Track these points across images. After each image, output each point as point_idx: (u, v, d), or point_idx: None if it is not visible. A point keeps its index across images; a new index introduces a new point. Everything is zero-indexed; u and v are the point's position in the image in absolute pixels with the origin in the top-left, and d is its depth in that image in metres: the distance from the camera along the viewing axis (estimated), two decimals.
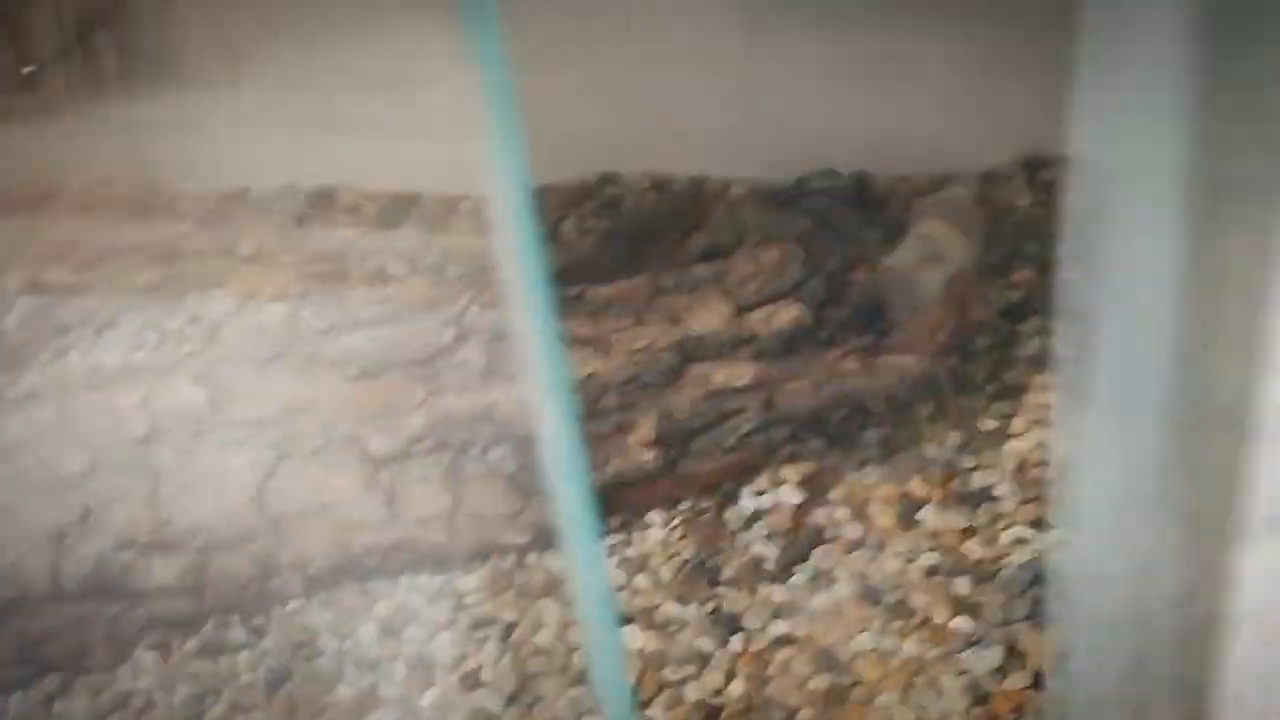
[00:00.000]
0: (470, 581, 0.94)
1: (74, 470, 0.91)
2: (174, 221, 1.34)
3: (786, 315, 0.97)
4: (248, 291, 1.23)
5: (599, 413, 0.94)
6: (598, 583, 0.51)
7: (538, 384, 0.42)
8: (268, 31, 1.16)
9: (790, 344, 0.97)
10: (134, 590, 0.90)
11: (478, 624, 0.91)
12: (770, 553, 0.95)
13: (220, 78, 1.33)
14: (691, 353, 0.96)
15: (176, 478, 0.91)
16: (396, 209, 1.33)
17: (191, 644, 0.91)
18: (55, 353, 1.18)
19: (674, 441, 0.95)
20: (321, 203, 1.35)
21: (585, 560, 0.49)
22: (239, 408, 0.93)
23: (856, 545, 0.96)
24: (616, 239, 1.06)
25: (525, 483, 0.93)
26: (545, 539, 0.95)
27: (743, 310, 0.97)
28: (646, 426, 0.94)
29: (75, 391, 0.94)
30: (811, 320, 0.97)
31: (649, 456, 0.94)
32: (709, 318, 0.96)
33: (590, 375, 0.94)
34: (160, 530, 0.90)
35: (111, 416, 0.92)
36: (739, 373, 0.95)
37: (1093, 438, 0.86)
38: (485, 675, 0.88)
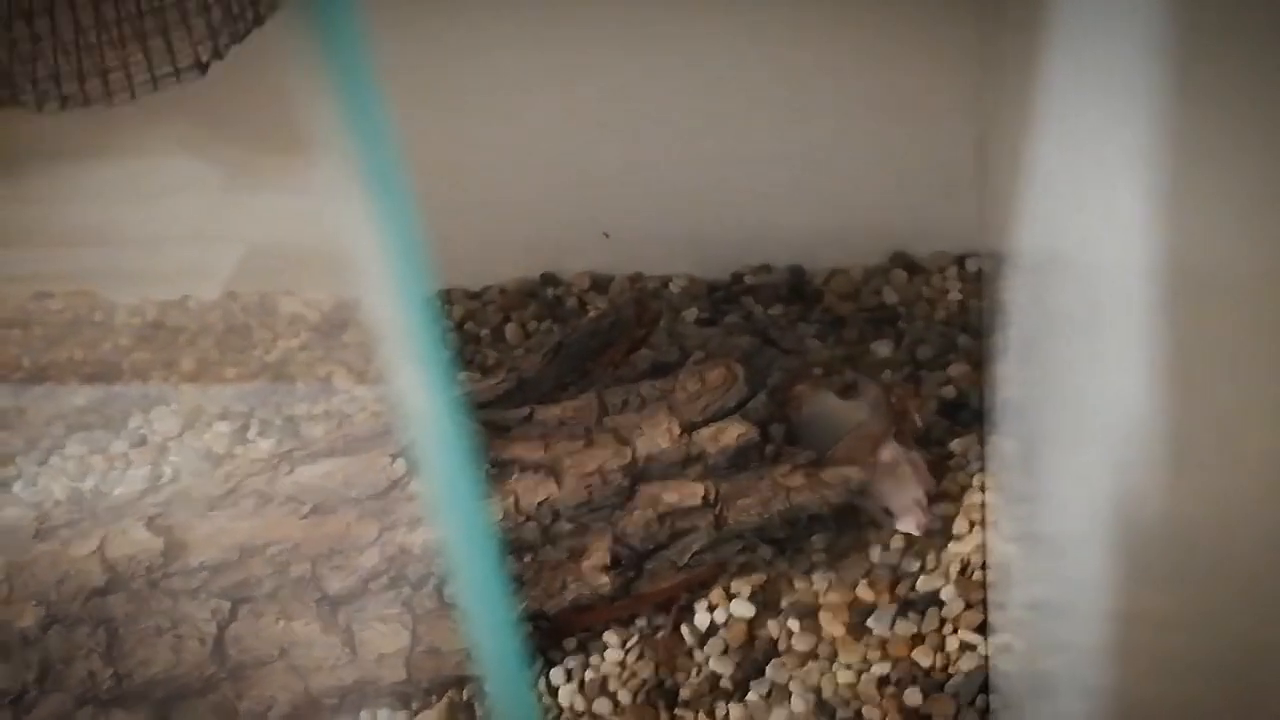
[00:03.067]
0: (431, 717, 0.95)
1: (29, 625, 0.90)
2: (113, 336, 1.33)
3: (733, 433, 0.99)
4: (192, 410, 1.23)
5: (552, 538, 0.96)
6: None
7: (455, 526, 0.42)
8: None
9: (738, 460, 0.99)
10: None
11: None
12: (726, 669, 0.97)
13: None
14: (642, 473, 0.98)
15: (135, 628, 0.91)
16: (338, 314, 1.34)
17: None
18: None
19: (628, 563, 0.97)
20: (262, 310, 1.35)
21: (515, 706, 0.48)
22: (194, 553, 0.93)
23: (809, 657, 0.98)
24: (562, 354, 1.07)
25: None
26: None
27: (690, 429, 0.99)
28: (600, 551, 0.95)
29: (25, 544, 0.94)
30: (758, 436, 0.99)
31: (604, 580, 0.95)
32: (658, 437, 0.98)
33: (543, 501, 0.96)
34: (121, 684, 0.90)
35: (64, 569, 0.92)
36: (690, 492, 0.97)
37: (1029, 538, 0.88)
38: None
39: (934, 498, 1.07)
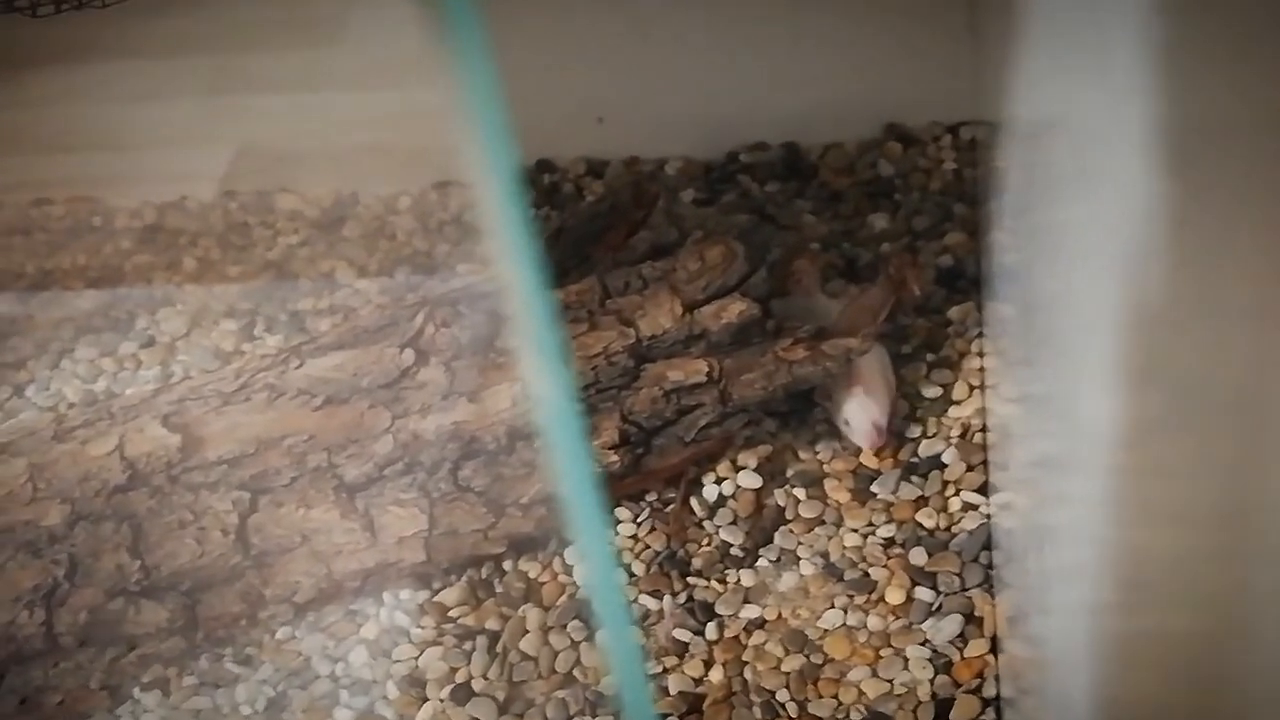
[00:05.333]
0: (453, 595, 0.97)
1: (56, 523, 0.93)
2: (114, 240, 1.34)
3: (735, 310, 1.00)
4: (197, 310, 1.25)
5: None
6: (609, 577, 0.53)
7: (535, 382, 0.44)
8: None
9: (740, 336, 1.01)
10: (127, 635, 0.93)
11: (464, 636, 0.95)
12: (736, 538, 0.99)
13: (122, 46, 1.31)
14: (646, 353, 0.99)
15: (158, 522, 0.93)
16: (336, 210, 1.35)
17: (189, 680, 0.95)
18: (13, 390, 1.19)
19: (636, 441, 0.99)
20: (261, 208, 1.36)
21: (595, 554, 0.51)
22: (210, 448, 0.95)
23: (816, 523, 1.00)
24: (562, 240, 1.08)
25: (496, 496, 0.96)
26: (520, 546, 0.99)
27: (692, 308, 1.00)
28: (609, 430, 0.97)
29: (45, 446, 0.95)
30: (759, 312, 1.01)
31: (613, 458, 0.97)
32: (660, 317, 1.00)
33: None
34: (149, 576, 0.92)
35: (85, 468, 0.94)
36: (694, 369, 0.99)
37: (1028, 399, 0.90)
38: (476, 686, 0.92)
39: (934, 364, 1.09)
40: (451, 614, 0.97)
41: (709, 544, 1.00)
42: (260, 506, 0.94)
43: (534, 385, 0.43)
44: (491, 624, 0.96)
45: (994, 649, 0.91)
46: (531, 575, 0.99)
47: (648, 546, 1.00)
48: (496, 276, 0.41)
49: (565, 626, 0.95)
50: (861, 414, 1.01)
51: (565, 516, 0.46)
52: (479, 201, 0.41)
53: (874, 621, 0.93)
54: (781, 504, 1.02)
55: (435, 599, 0.98)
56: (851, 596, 0.95)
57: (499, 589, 0.98)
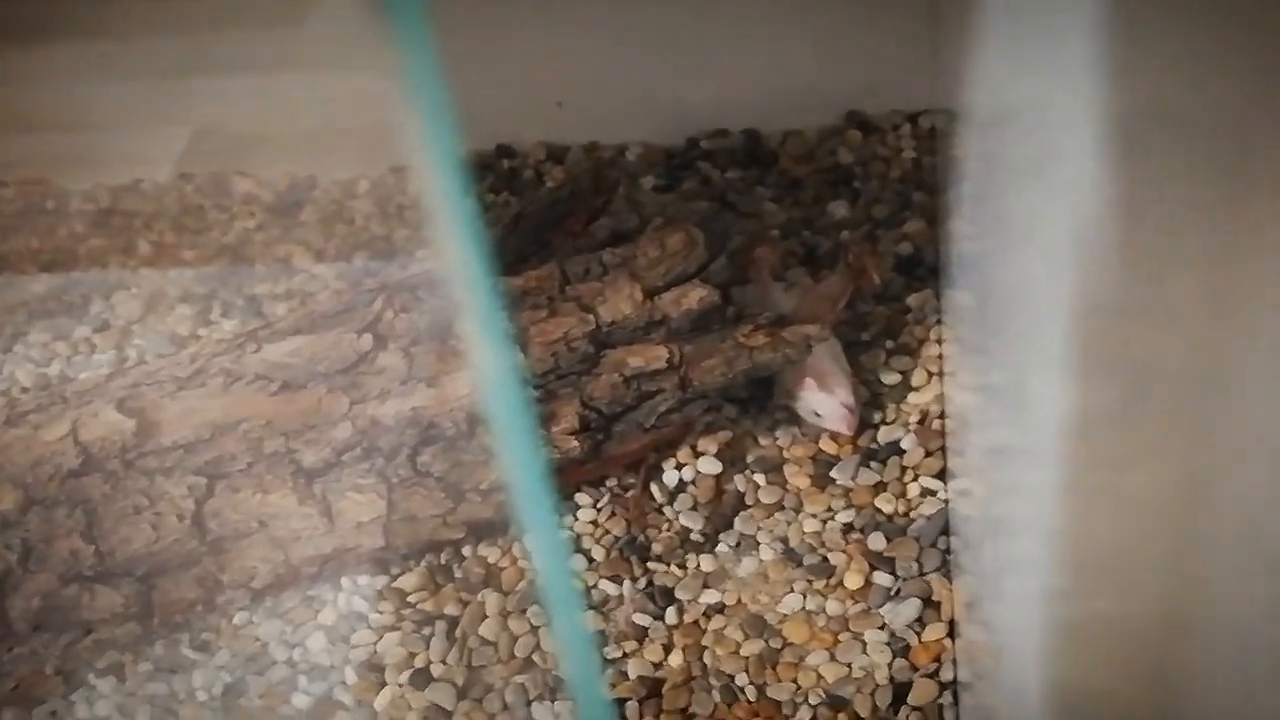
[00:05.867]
0: (411, 580, 0.97)
1: (9, 509, 0.92)
2: (68, 223, 1.33)
3: (695, 296, 1.00)
4: (152, 294, 1.23)
5: None
6: (560, 562, 0.54)
7: (483, 368, 0.44)
8: None
9: (700, 323, 1.01)
10: (82, 620, 0.92)
11: (423, 621, 0.95)
12: (696, 523, 1.00)
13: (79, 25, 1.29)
14: (606, 339, 0.99)
15: (113, 507, 0.93)
16: (293, 194, 1.34)
17: (144, 666, 0.94)
18: None
19: (596, 427, 0.99)
20: (217, 191, 1.35)
21: (546, 544, 0.51)
22: (166, 432, 0.94)
23: (775, 508, 1.01)
24: (522, 226, 1.08)
25: (456, 481, 0.96)
26: (479, 532, 0.99)
27: (652, 294, 1.00)
28: (569, 416, 0.97)
29: None
30: (719, 299, 1.01)
31: (573, 444, 0.97)
32: (620, 303, 1.00)
33: None
34: (103, 561, 0.92)
35: (38, 452, 0.93)
36: (654, 355, 0.99)
37: (985, 387, 0.91)
38: (435, 671, 0.92)
39: (892, 351, 1.09)
40: (410, 599, 0.96)
41: (669, 529, 1.00)
42: (217, 492, 0.94)
43: (482, 372, 0.43)
44: (450, 609, 0.96)
45: (951, 633, 0.91)
46: (490, 560, 0.99)
47: (608, 532, 1.00)
48: (442, 262, 0.41)
49: (524, 611, 0.95)
50: (829, 401, 1.02)
51: (516, 503, 0.46)
52: (424, 187, 0.41)
53: (833, 606, 0.94)
54: (741, 489, 1.02)
55: (394, 584, 0.97)
56: (810, 581, 0.96)
57: (458, 574, 0.98)
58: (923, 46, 1.23)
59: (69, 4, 1.05)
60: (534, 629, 0.94)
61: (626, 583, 0.97)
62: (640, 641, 0.93)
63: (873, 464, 1.02)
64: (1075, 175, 0.56)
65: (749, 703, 0.89)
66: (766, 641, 0.92)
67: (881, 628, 0.92)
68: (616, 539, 0.99)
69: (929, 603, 0.93)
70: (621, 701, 0.89)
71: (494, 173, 1.32)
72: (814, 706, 0.88)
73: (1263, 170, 0.46)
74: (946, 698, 0.88)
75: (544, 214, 1.08)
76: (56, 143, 1.38)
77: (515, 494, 0.46)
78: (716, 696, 0.90)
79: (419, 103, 0.39)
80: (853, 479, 1.01)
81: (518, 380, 0.44)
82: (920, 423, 1.05)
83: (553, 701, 0.90)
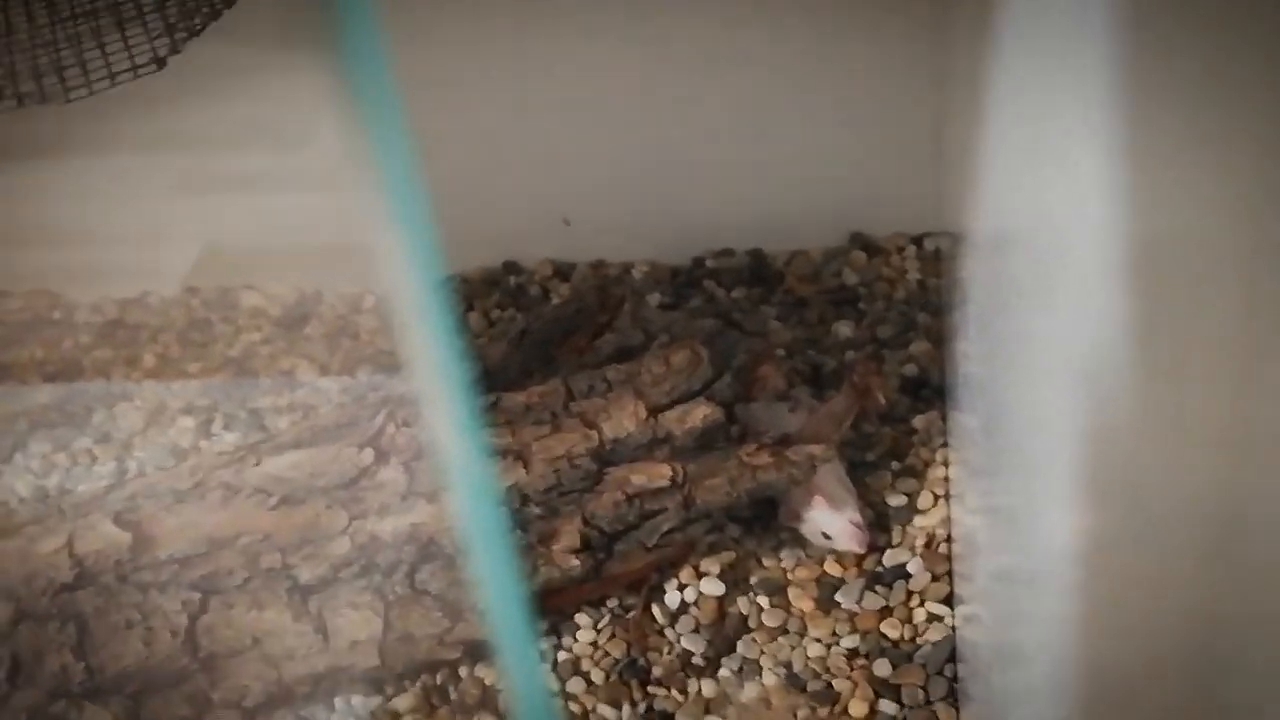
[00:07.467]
0: (406, 701, 0.95)
1: (0, 622, 0.90)
2: (73, 334, 1.33)
3: (699, 414, 1.00)
4: (155, 406, 1.23)
5: (522, 523, 0.96)
6: (538, 698, 0.52)
7: (465, 495, 0.43)
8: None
9: (704, 441, 1.00)
10: None
11: None
12: (698, 646, 0.98)
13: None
14: (609, 456, 0.98)
15: (105, 622, 0.91)
16: (300, 308, 1.34)
17: None
18: None
19: (598, 545, 0.97)
20: (223, 305, 1.35)
21: (525, 676, 0.50)
22: (162, 546, 0.93)
23: (779, 632, 0.99)
24: (527, 341, 1.08)
25: (454, 600, 0.95)
26: (476, 653, 0.97)
27: (656, 411, 1.00)
28: (570, 534, 0.96)
29: None
30: (723, 417, 1.00)
31: (574, 563, 0.96)
32: (624, 420, 0.99)
33: (512, 486, 0.96)
34: (93, 677, 0.90)
35: (32, 565, 0.92)
36: (657, 473, 0.98)
37: (992, 510, 0.90)
38: None
39: (898, 473, 1.08)
40: None
41: (670, 652, 0.98)
42: (211, 607, 0.92)
43: (460, 498, 0.42)
44: None
45: None
46: (488, 682, 0.97)
47: (608, 654, 0.98)
48: (423, 383, 0.41)
49: None
50: (839, 520, 1.00)
51: (493, 626, 0.45)
52: (406, 309, 0.41)
53: None
54: (744, 612, 1.00)
55: (388, 705, 0.95)
56: (814, 709, 0.93)
57: (454, 696, 0.96)
58: (926, 169, 1.24)
59: (80, 120, 1.06)
60: None
61: (626, 707, 0.94)
62: None
63: (878, 588, 1.01)
64: (1082, 297, 0.55)
65: None
66: None
67: None
68: (616, 661, 0.97)
69: None
70: None
71: (500, 289, 1.32)
72: None
73: (1278, 290, 0.46)
74: None
75: (549, 330, 1.08)
76: (65, 257, 1.39)
77: (493, 617, 0.45)
78: None
79: (400, 222, 0.39)
80: (858, 603, 1.00)
81: (496, 501, 0.43)
82: (927, 546, 1.03)
83: None
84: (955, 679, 0.94)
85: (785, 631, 0.99)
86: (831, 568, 1.02)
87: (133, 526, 0.94)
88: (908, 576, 1.01)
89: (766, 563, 1.03)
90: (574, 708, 0.95)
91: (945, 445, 1.10)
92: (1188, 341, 0.49)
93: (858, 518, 1.01)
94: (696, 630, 0.99)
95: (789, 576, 1.02)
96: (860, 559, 1.02)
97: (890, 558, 1.02)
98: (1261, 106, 0.41)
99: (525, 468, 0.96)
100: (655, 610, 1.00)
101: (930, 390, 1.15)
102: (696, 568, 1.03)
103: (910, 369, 1.18)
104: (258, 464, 0.98)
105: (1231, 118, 0.44)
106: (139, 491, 0.98)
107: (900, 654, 0.96)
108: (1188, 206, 0.47)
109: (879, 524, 1.05)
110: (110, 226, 1.38)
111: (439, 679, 0.97)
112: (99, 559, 0.92)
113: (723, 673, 0.96)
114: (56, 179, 1.26)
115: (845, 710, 0.93)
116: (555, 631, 1.00)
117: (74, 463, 1.18)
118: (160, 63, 0.98)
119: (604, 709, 0.94)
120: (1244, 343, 0.48)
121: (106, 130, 1.22)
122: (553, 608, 1.00)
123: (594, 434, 0.98)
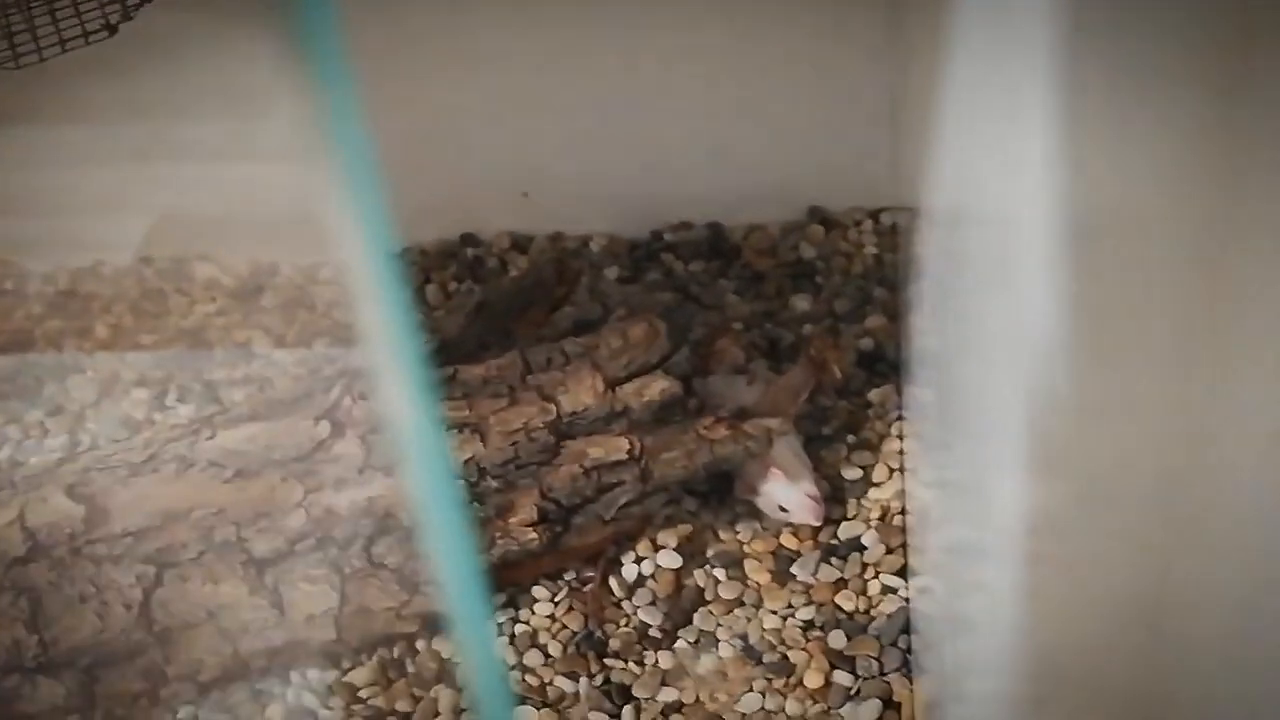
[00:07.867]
0: (362, 674, 0.95)
1: None
2: (25, 305, 1.31)
3: (657, 388, 1.00)
4: (108, 378, 1.22)
5: (479, 496, 0.96)
6: (492, 671, 0.52)
7: (418, 469, 0.43)
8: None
9: (662, 415, 1.00)
10: (22, 713, 0.89)
11: (374, 717, 0.93)
12: (654, 619, 0.98)
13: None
14: (566, 429, 0.98)
15: (58, 596, 0.90)
16: (255, 279, 1.33)
17: None
18: None
19: (555, 519, 0.98)
20: (178, 276, 1.34)
21: (478, 650, 0.50)
22: (116, 520, 0.92)
23: (735, 604, 1.00)
24: (484, 314, 1.07)
25: (410, 573, 0.95)
26: (433, 626, 0.97)
27: (613, 384, 1.00)
28: (527, 507, 0.96)
29: None
30: (681, 391, 1.01)
31: (532, 536, 0.96)
32: (582, 394, 0.99)
33: (469, 459, 0.96)
34: (46, 651, 0.89)
35: None
36: (615, 446, 0.98)
37: (945, 483, 0.91)
38: None
39: (854, 446, 1.09)
40: (361, 694, 0.94)
41: (627, 624, 0.98)
42: (165, 581, 0.92)
43: (416, 471, 0.42)
44: (402, 705, 0.94)
45: None
46: (445, 655, 0.97)
47: (565, 626, 0.99)
48: (375, 354, 0.41)
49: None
50: (795, 493, 1.01)
51: (447, 599, 0.45)
52: (361, 281, 0.40)
53: (792, 706, 0.92)
54: (701, 584, 1.01)
55: (345, 679, 0.95)
56: (770, 680, 0.94)
57: (411, 669, 0.96)
58: (884, 144, 1.25)
59: (32, 89, 1.05)
60: None
61: (583, 679, 0.95)
62: None
63: (833, 560, 1.01)
64: (1031, 274, 0.56)
65: None
66: None
67: None
68: (574, 634, 0.98)
69: (889, 703, 0.92)
70: None
71: (458, 261, 1.32)
72: None
73: (1228, 268, 0.46)
74: None
75: (507, 303, 1.08)
76: (19, 226, 1.37)
77: (449, 590, 0.45)
78: None
79: (351, 192, 0.38)
80: (813, 575, 1.00)
81: (452, 474, 0.43)
82: (881, 519, 1.04)
83: None
84: (909, 650, 0.95)
85: (741, 604, 0.99)
86: (787, 540, 1.03)
87: (86, 499, 0.93)
88: (863, 549, 1.02)
89: (723, 535, 1.04)
90: (531, 680, 0.95)
91: (900, 419, 1.11)
92: (1136, 318, 0.50)
93: (814, 490, 1.01)
94: (654, 603, 0.99)
95: (745, 549, 1.03)
96: (816, 532, 1.03)
97: (845, 530, 1.03)
98: (1206, 84, 0.42)
99: (482, 441, 0.96)
100: (612, 583, 1.01)
101: (886, 365, 1.16)
102: (654, 540, 1.03)
103: (866, 343, 1.18)
104: (212, 437, 0.97)
105: (1176, 97, 0.44)
106: (92, 464, 0.97)
107: (855, 626, 0.97)
108: (1134, 186, 0.47)
109: (834, 497, 1.05)
110: (63, 195, 1.36)
111: (396, 652, 0.97)
112: (52, 532, 0.92)
113: (680, 645, 0.97)
114: (9, 146, 1.24)
115: (801, 681, 0.94)
116: (513, 604, 1.00)
117: (25, 435, 1.17)
118: (112, 29, 0.97)
119: (561, 681, 0.95)
120: (1192, 319, 0.48)
121: (60, 98, 1.20)
122: (510, 580, 1.00)
123: (551, 407, 0.98)
